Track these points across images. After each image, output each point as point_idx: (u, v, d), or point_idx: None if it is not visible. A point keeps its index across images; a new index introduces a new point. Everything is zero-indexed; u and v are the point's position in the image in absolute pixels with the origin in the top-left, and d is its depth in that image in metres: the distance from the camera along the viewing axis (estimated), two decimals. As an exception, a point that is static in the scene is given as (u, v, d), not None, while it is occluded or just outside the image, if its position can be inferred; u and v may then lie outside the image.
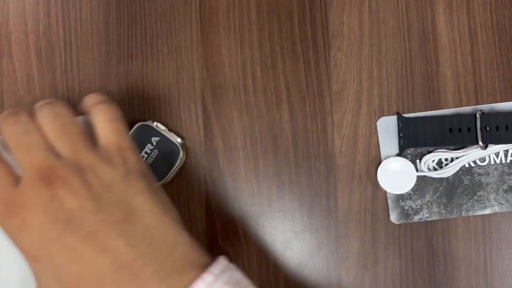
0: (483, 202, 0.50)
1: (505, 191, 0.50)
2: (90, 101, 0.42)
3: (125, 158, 0.39)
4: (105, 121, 0.40)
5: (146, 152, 0.50)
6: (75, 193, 0.36)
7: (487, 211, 0.50)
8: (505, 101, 0.51)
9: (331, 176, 0.51)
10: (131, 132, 0.50)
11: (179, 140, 0.50)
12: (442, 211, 0.50)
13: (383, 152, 0.51)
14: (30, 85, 0.53)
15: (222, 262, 0.37)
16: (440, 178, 0.50)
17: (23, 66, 0.53)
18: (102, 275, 0.35)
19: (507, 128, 0.49)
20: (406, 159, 0.49)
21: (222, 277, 0.36)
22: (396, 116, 0.51)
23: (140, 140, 0.50)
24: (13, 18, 0.54)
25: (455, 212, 0.50)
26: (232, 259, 0.51)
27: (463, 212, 0.50)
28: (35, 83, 0.53)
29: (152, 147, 0.50)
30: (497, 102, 0.51)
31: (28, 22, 0.54)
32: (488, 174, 0.50)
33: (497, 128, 0.49)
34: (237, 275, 0.37)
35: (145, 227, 0.36)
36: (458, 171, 0.50)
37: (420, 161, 0.50)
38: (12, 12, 0.54)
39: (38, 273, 0.37)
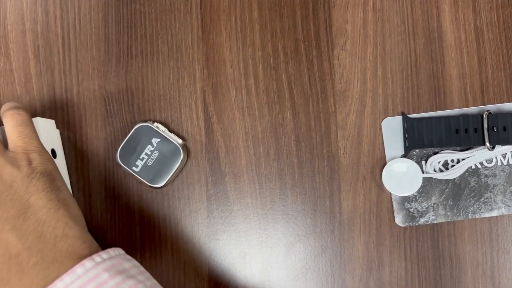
0: (490, 204, 0.49)
1: (513, 193, 0.49)
2: (3, 108, 0.46)
3: (30, 160, 0.43)
4: (12, 126, 0.44)
5: (146, 154, 0.49)
6: None
7: (494, 213, 0.49)
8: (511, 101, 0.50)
9: (335, 177, 0.50)
10: (130, 133, 0.49)
11: (179, 141, 0.49)
12: (448, 214, 0.49)
13: (388, 153, 0.50)
14: (27, 85, 0.52)
15: (109, 252, 0.40)
16: (446, 180, 0.49)
17: (21, 66, 0.52)
18: None
19: (514, 128, 0.48)
20: (411, 161, 0.48)
21: (103, 264, 0.38)
22: (401, 116, 0.50)
23: (140, 141, 0.49)
24: (10, 16, 0.53)
25: (461, 214, 0.49)
26: (235, 265, 0.50)
27: (470, 214, 0.49)
28: (32, 83, 0.52)
29: (153, 149, 0.49)
30: (504, 102, 0.50)
31: (26, 21, 0.53)
32: (495, 175, 0.49)
33: (505, 128, 0.48)
34: (127, 264, 0.40)
35: (36, 222, 0.40)
36: (464, 173, 0.49)
37: (425, 163, 0.49)
38: (9, 10, 0.53)
39: None
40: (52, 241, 0.39)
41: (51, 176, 0.43)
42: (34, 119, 0.46)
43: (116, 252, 0.40)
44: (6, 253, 0.39)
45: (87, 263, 0.38)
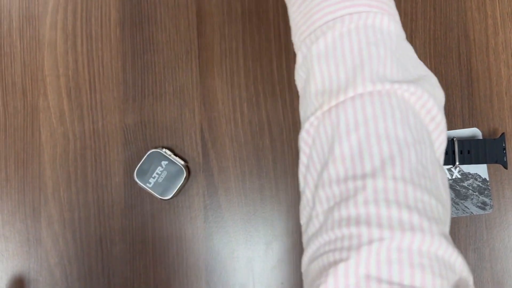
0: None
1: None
2: None
3: None
4: None
5: (157, 173, 0.63)
6: None
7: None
8: (440, 131, 0.65)
9: (303, 191, 0.64)
10: (144, 157, 0.63)
11: (182, 163, 0.64)
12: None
13: (344, 172, 0.64)
14: (62, 119, 0.66)
15: None
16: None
17: (56, 103, 0.67)
18: None
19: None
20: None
21: None
22: (354, 143, 0.64)
23: (152, 163, 0.63)
24: (47, 64, 0.67)
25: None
26: (226, 259, 0.64)
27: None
28: (66, 117, 0.66)
29: (162, 169, 0.63)
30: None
31: (60, 68, 0.67)
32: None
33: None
34: None
35: None
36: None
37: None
38: (46, 59, 0.67)
39: None
40: None
41: None
42: None
43: None
44: None
45: None
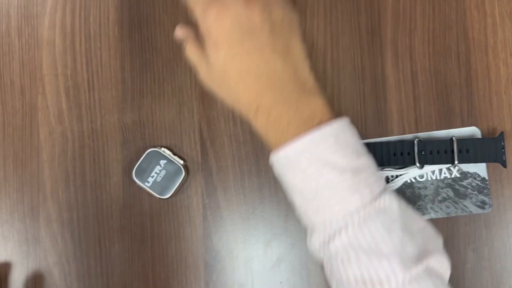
0: (422, 210, 0.64)
1: (440, 201, 0.64)
2: None
3: None
4: None
5: (155, 173, 0.63)
6: (262, 14, 0.44)
7: (426, 217, 0.63)
8: (439, 130, 0.65)
9: (302, 190, 0.64)
10: (143, 156, 0.63)
11: (181, 162, 0.64)
12: (389, 217, 0.64)
13: (343, 171, 0.64)
14: (60, 118, 0.66)
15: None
16: (387, 191, 0.64)
17: (55, 102, 0.66)
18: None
19: (438, 152, 0.62)
20: (360, 177, 0.63)
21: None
22: (352, 142, 0.64)
23: (151, 163, 0.63)
24: (46, 63, 0.67)
25: (399, 218, 0.64)
26: (225, 258, 0.64)
27: (406, 217, 0.64)
28: (64, 117, 0.66)
29: (161, 168, 0.63)
30: (433, 131, 0.65)
31: (58, 67, 0.67)
32: (426, 187, 0.64)
33: (431, 152, 0.62)
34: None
35: (295, 59, 0.47)
36: (401, 185, 0.64)
37: (371, 178, 0.64)
38: (44, 58, 0.67)
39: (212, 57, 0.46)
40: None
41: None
42: None
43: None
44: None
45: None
